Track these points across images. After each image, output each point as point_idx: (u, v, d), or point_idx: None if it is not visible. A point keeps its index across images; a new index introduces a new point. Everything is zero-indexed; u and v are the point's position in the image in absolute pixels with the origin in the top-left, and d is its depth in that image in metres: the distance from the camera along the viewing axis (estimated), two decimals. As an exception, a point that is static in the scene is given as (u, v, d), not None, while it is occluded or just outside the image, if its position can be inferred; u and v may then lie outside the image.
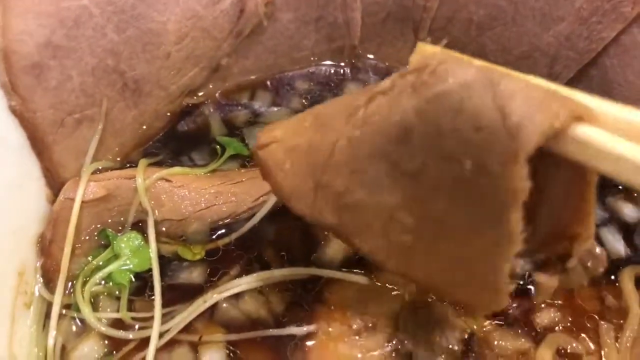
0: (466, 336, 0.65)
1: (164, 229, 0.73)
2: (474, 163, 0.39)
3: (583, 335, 0.66)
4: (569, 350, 0.65)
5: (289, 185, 0.51)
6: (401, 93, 0.42)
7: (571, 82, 0.79)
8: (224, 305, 0.68)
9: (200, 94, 0.84)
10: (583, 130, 0.38)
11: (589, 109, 0.40)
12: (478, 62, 0.43)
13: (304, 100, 0.88)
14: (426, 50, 0.49)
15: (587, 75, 0.78)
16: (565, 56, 0.77)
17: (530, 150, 0.37)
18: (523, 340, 0.65)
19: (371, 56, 0.90)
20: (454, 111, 0.39)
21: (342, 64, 0.90)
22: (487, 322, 0.66)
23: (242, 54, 0.83)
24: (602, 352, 0.65)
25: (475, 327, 0.66)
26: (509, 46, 0.81)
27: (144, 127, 0.80)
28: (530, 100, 0.38)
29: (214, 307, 0.68)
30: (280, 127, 0.54)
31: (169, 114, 0.83)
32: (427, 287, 0.53)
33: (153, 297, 0.67)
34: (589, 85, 0.78)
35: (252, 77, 0.88)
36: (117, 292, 0.69)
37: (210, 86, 0.85)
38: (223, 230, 0.74)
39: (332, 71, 0.90)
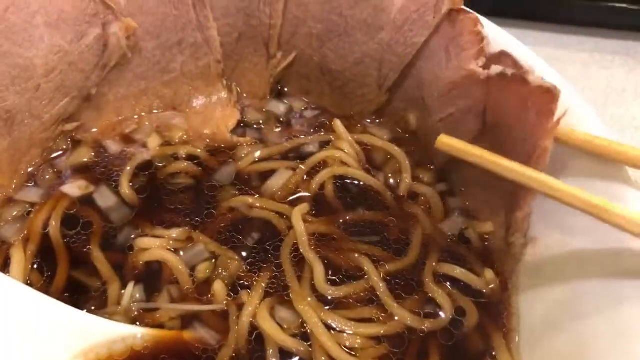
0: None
1: None
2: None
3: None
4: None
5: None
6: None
7: (396, 83, 0.87)
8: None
9: (76, 123, 0.86)
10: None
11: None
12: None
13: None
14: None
15: (408, 75, 0.86)
16: (389, 60, 0.85)
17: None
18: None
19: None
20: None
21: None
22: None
23: (114, 82, 0.86)
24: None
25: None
26: (345, 54, 0.89)
27: (21, 153, 0.80)
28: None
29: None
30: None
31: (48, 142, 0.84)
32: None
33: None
34: (410, 84, 0.86)
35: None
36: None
37: (87, 114, 0.86)
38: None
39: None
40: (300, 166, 0.84)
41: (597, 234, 0.63)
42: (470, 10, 0.77)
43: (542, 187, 0.64)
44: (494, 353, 0.68)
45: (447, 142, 0.74)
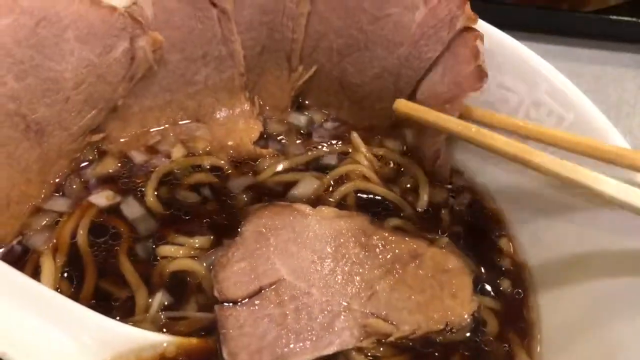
0: None
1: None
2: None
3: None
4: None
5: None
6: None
7: (409, 96, 0.88)
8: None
9: (102, 134, 0.87)
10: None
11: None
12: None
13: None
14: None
15: (419, 88, 0.88)
16: (405, 74, 0.87)
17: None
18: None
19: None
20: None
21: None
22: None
23: (140, 94, 0.88)
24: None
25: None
26: (364, 69, 0.91)
27: (50, 164, 0.82)
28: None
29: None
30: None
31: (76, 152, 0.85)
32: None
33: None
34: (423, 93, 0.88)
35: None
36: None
37: (113, 125, 0.88)
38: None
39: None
40: (327, 177, 0.86)
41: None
42: (478, 28, 0.77)
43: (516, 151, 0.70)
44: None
45: (405, 106, 0.83)
